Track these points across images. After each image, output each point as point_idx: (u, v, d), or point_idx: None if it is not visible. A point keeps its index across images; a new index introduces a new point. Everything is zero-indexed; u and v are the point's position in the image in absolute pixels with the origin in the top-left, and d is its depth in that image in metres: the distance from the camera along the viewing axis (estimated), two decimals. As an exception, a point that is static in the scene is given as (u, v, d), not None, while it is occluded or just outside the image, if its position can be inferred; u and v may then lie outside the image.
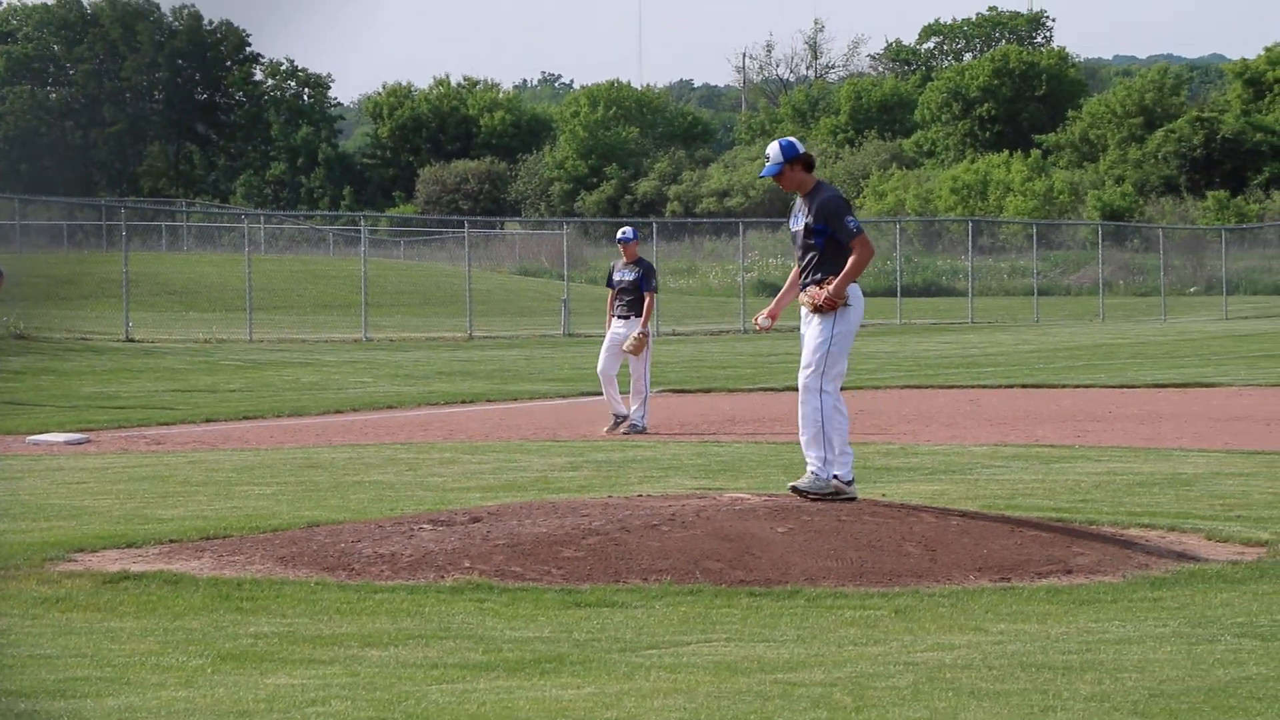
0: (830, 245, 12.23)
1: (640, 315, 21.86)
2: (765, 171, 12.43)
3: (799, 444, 12.31)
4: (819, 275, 12.24)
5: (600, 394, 22.32)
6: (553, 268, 75.21)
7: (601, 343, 22.36)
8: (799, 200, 12.44)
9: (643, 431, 21.51)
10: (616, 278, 22.12)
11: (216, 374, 33.40)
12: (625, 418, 21.68)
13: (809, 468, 12.16)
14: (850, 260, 12.17)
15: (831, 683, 7.98)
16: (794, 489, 12.17)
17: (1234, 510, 13.62)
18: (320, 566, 10.96)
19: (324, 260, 78.05)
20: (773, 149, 12.36)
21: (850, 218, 12.23)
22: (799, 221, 12.38)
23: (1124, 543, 11.93)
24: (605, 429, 21.74)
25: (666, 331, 49.83)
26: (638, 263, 22.10)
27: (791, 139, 12.49)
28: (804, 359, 12.25)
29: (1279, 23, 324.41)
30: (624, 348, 21.72)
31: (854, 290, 12.26)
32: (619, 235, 22.18)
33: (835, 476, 12.10)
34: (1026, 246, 76.21)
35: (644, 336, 21.76)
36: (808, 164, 12.36)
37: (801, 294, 12.37)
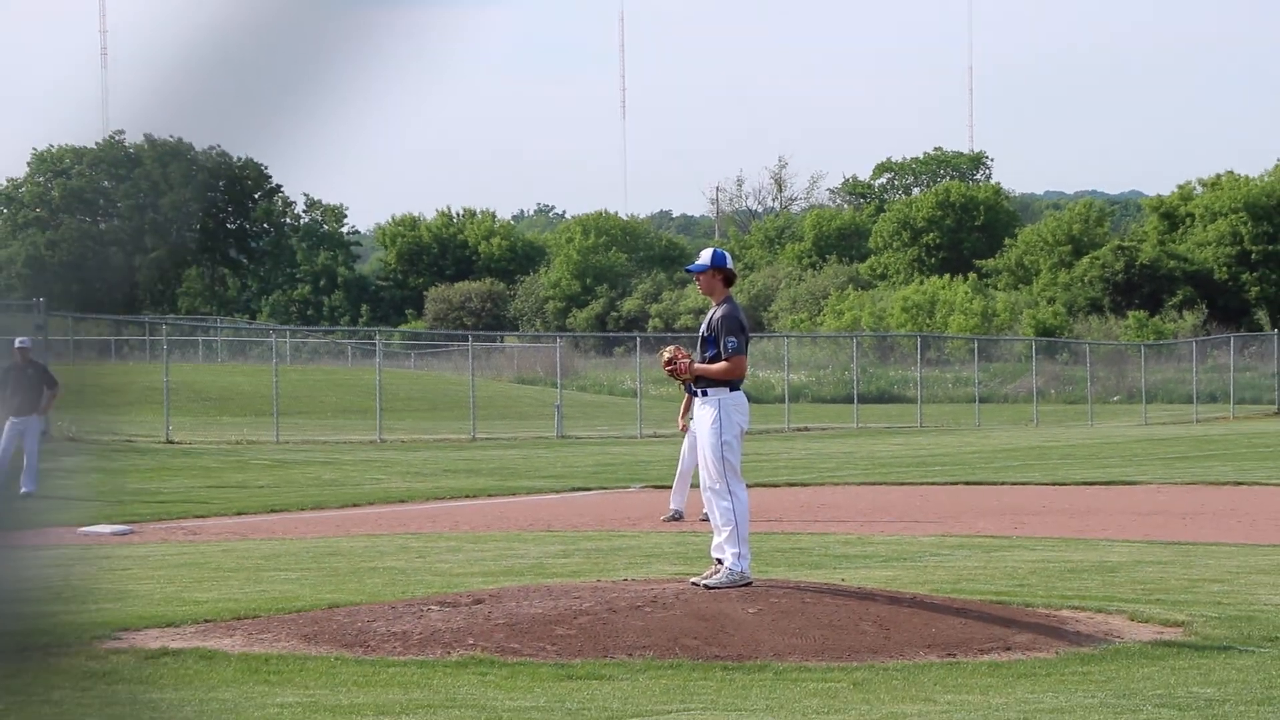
0: (718, 359, 11.75)
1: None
2: (691, 267, 11.94)
3: (713, 540, 11.90)
4: (704, 385, 11.81)
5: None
6: (547, 377, 75.16)
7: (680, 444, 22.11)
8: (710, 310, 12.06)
9: (679, 519, 21.64)
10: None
11: (247, 472, 33.32)
12: (680, 516, 21.72)
13: (725, 564, 11.67)
14: (719, 365, 11.69)
15: (797, 747, 7.96)
16: (705, 586, 11.59)
17: (1154, 594, 13.63)
18: (339, 643, 10.94)
19: (343, 370, 78.01)
20: (706, 252, 11.97)
21: (734, 339, 11.63)
22: (703, 329, 11.99)
23: (1057, 622, 11.93)
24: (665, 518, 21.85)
25: (649, 434, 49.80)
26: None
27: (726, 253, 12.04)
28: (705, 473, 11.88)
29: (1189, 163, 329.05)
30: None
31: (735, 400, 11.77)
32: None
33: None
34: (969, 359, 76.36)
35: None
36: (728, 279, 11.88)
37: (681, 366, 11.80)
